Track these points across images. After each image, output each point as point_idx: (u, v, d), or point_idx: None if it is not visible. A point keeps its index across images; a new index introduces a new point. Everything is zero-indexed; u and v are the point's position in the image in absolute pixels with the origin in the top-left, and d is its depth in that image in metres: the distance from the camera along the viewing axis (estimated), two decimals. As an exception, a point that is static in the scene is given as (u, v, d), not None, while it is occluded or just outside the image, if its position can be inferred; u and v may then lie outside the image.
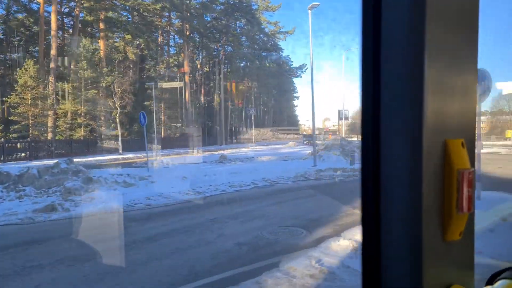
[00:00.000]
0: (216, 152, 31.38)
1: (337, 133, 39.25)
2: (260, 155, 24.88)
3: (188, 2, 43.99)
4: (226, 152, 32.97)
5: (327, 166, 15.63)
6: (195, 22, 47.00)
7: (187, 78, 41.46)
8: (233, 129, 55.54)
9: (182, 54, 42.98)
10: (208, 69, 53.23)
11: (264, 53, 69.09)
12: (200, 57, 51.20)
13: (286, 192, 10.91)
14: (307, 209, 8.59)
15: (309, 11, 18.45)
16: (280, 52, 76.89)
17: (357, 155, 19.72)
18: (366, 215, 0.65)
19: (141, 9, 39.20)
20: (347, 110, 37.66)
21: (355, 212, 7.80)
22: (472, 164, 0.64)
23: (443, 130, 0.63)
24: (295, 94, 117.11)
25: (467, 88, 0.68)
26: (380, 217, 0.63)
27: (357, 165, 16.21)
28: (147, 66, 41.58)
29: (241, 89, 61.75)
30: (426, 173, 0.59)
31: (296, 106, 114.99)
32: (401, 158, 0.60)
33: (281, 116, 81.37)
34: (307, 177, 13.65)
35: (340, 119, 37.98)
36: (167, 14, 42.00)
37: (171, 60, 45.24)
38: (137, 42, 39.20)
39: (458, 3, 0.65)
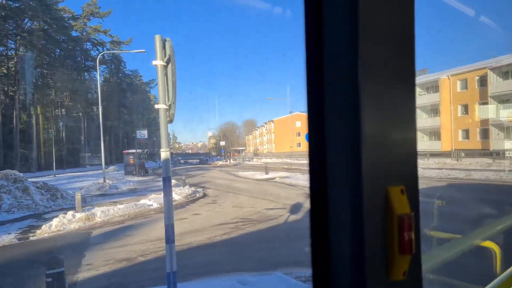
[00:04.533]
0: None
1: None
2: None
3: None
4: None
5: None
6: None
7: None
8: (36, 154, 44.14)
9: None
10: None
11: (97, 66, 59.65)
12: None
13: None
14: None
15: None
16: (122, 66, 68.26)
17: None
18: (315, 253, 0.69)
19: None
20: (145, 129, 30.67)
21: None
22: (413, 209, 0.68)
23: (383, 178, 0.66)
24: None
25: (406, 136, 0.71)
26: (329, 257, 0.67)
27: None
28: None
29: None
30: (367, 218, 0.63)
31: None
32: (344, 204, 0.65)
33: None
34: None
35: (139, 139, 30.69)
36: None
37: None
38: None
39: (395, 66, 0.69)
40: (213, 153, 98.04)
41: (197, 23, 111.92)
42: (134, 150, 30.25)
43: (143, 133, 30.53)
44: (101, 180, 22.34)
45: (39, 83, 45.54)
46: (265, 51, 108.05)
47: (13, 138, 40.32)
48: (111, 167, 44.17)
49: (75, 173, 38.74)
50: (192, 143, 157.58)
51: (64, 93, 50.04)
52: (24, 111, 43.52)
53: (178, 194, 15.70)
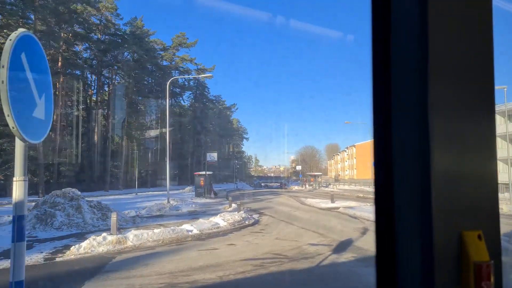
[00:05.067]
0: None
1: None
2: None
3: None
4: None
5: None
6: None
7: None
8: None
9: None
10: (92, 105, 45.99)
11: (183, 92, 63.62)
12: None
13: None
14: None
15: None
16: (206, 91, 71.83)
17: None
18: None
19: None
20: (215, 152, 31.07)
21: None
22: (493, 256, 0.62)
23: (457, 221, 0.62)
24: (245, 135, 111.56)
25: (485, 174, 0.65)
26: None
27: None
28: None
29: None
30: (439, 265, 0.59)
31: (242, 146, 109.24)
32: (413, 250, 0.61)
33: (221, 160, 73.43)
34: None
35: (209, 161, 31.13)
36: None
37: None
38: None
39: (469, 100, 0.64)
40: (294, 178, 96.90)
41: (279, 47, 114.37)
42: (204, 172, 30.69)
43: (213, 156, 30.93)
44: (165, 201, 22.76)
45: (131, 108, 49.82)
46: (352, 73, 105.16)
47: (105, 159, 44.32)
48: (188, 188, 45.78)
49: (154, 192, 40.86)
50: (275, 166, 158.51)
51: (151, 118, 54.03)
52: (116, 134, 47.82)
53: (226, 220, 14.95)
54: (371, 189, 43.82)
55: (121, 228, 13.65)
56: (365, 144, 70.73)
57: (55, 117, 39.26)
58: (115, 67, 46.58)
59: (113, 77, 47.67)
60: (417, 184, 0.60)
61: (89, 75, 45.57)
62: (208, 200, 29.50)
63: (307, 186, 52.78)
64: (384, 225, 0.65)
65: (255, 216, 18.36)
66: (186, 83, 65.08)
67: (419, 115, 0.60)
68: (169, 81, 26.27)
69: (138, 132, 53.08)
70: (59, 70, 40.09)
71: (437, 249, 0.58)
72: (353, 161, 75.25)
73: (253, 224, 15.38)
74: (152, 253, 9.82)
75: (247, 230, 13.76)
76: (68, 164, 41.39)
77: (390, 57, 0.64)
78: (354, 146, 73.84)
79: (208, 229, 13.22)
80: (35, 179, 35.21)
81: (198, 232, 12.53)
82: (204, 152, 69.84)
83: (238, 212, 18.13)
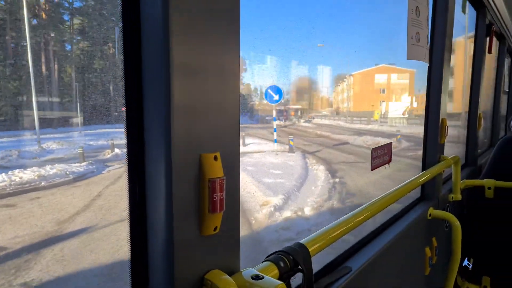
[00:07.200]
0: None
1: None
2: None
3: None
4: None
5: None
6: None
7: None
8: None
9: None
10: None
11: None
12: None
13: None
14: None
15: None
16: None
17: None
18: (133, 217, 0.74)
19: None
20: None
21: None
22: (228, 173, 0.74)
23: (196, 145, 0.71)
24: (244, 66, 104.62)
25: (226, 105, 0.75)
26: (146, 219, 0.73)
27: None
28: None
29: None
30: (180, 183, 0.68)
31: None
32: (159, 173, 0.69)
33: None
34: None
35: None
36: None
37: None
38: None
39: (214, 31, 0.72)
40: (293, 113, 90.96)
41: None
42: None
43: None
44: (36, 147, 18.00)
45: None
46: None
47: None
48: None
49: (98, 130, 36.19)
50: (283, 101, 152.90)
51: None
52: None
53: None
54: (348, 124, 38.32)
55: None
56: (364, 73, 63.84)
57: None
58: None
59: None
60: (162, 114, 0.65)
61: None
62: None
63: (286, 121, 47.54)
64: (136, 160, 0.69)
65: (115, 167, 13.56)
66: None
67: (163, 45, 0.63)
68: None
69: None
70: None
71: (177, 169, 0.65)
72: (350, 92, 68.47)
73: (63, 184, 10.46)
74: None
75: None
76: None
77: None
78: (351, 75, 66.58)
79: None
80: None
81: None
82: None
83: (80, 163, 13.47)
